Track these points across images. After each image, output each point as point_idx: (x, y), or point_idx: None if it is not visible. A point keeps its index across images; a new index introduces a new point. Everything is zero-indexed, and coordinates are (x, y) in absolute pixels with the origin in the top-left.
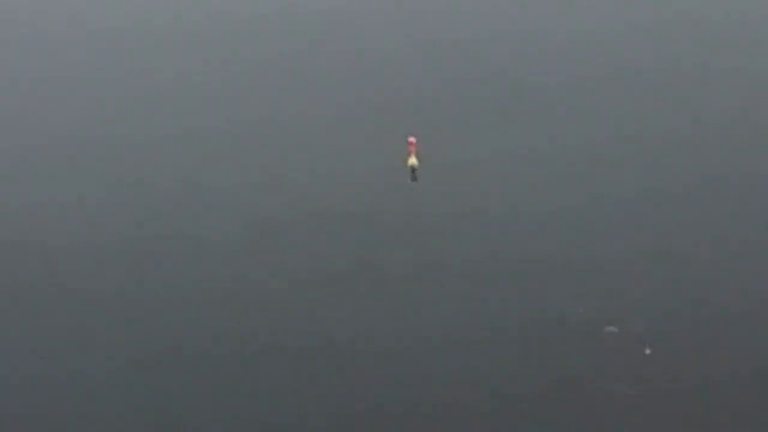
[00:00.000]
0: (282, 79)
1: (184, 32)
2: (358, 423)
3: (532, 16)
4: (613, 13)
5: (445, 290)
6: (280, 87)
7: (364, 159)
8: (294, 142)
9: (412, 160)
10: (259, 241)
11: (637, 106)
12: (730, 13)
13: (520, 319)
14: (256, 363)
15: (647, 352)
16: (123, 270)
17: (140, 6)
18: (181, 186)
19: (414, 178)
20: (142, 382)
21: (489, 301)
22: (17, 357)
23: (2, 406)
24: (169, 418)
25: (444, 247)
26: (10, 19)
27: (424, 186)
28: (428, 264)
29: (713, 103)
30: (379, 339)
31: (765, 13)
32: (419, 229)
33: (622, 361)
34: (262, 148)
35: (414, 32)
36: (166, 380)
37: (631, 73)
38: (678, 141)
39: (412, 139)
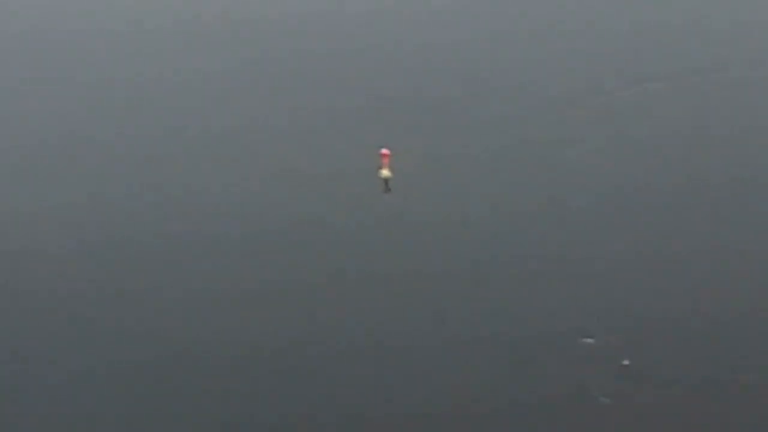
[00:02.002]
0: (260, 87)
1: (153, 41)
2: (333, 425)
3: (508, 19)
4: (606, 12)
5: (422, 299)
6: (260, 94)
7: (338, 167)
8: (269, 148)
9: (385, 172)
10: (237, 248)
11: (621, 112)
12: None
13: (497, 329)
14: (238, 366)
15: (625, 363)
16: (114, 273)
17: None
18: (161, 192)
19: (387, 190)
20: (138, 384)
21: (465, 311)
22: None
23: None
24: (166, 419)
25: (420, 256)
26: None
27: (398, 194)
28: (404, 273)
29: (704, 108)
30: (351, 351)
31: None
32: (394, 238)
33: (599, 372)
34: (237, 155)
35: (390, 38)
36: (162, 382)
37: (617, 78)
38: (661, 150)
39: (385, 151)
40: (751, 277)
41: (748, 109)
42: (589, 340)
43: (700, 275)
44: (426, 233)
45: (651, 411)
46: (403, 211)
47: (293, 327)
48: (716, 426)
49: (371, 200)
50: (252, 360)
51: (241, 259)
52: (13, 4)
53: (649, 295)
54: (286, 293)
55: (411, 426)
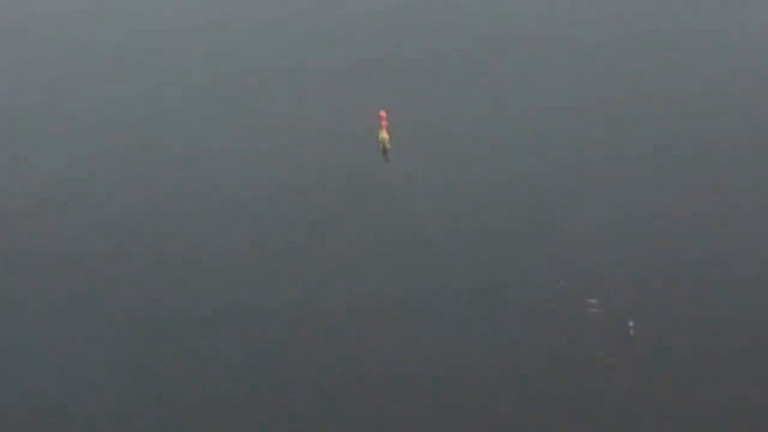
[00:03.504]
0: (264, 44)
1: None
2: (320, 394)
3: None
4: None
5: (422, 263)
6: (263, 52)
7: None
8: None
9: (384, 135)
10: (228, 214)
11: (618, 70)
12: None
13: (497, 291)
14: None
15: (630, 324)
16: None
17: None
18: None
19: (386, 157)
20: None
21: (465, 274)
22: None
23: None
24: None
25: (419, 218)
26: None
27: (399, 158)
28: (403, 236)
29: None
30: (352, 311)
31: None
32: (394, 201)
33: (603, 333)
34: (228, 117)
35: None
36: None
37: (608, 42)
38: (664, 106)
39: (382, 113)
40: (760, 243)
41: None
42: (594, 301)
43: (709, 238)
44: (421, 198)
45: (655, 372)
46: (400, 176)
47: (293, 291)
48: (719, 388)
49: (367, 164)
50: (264, 319)
51: (239, 223)
52: None
53: (657, 257)
54: (284, 257)
55: (411, 386)
